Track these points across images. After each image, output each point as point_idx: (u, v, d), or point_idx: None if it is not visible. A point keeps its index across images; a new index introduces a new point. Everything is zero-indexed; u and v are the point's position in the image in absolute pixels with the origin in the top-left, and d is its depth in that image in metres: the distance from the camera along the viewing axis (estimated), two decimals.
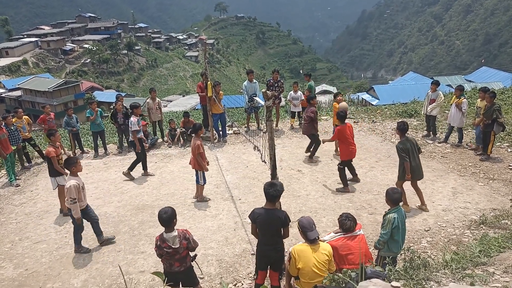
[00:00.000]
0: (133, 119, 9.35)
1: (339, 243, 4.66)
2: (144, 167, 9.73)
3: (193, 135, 8.01)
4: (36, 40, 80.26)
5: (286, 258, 5.07)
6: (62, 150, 8.25)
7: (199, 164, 7.83)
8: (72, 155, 11.42)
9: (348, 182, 8.38)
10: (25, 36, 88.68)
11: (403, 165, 7.03)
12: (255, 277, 4.99)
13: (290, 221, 4.74)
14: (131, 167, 9.57)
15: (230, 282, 5.63)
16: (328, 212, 7.42)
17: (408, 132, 7.31)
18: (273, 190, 4.51)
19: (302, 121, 10.75)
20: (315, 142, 9.88)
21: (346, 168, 8.32)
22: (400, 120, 7.34)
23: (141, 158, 9.62)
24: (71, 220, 7.22)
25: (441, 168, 9.23)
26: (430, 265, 4.09)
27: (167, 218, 4.39)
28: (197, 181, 8.07)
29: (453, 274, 3.91)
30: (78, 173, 6.43)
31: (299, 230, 4.48)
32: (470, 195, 7.80)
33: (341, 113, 8.37)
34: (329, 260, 4.37)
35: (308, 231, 4.36)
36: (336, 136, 8.37)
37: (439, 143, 10.69)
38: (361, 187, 8.45)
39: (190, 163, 8.16)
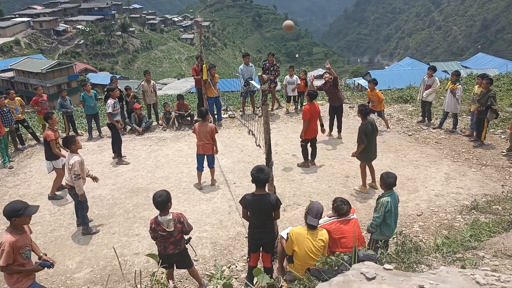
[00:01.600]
0: (109, 101, 9.38)
1: (332, 227, 4.71)
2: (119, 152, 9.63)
3: (200, 119, 7.88)
4: (28, 20, 78.77)
5: (278, 241, 5.13)
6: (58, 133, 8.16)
7: (215, 147, 7.88)
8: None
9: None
10: (17, 15, 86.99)
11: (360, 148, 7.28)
12: (248, 259, 5.05)
13: (281, 203, 4.79)
14: (119, 153, 9.55)
15: (224, 265, 5.69)
16: (322, 196, 7.47)
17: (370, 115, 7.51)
18: (263, 175, 4.52)
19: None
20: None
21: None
22: (361, 103, 7.51)
23: (118, 141, 9.54)
24: (67, 202, 7.23)
25: (435, 153, 9.29)
26: (422, 249, 4.15)
27: (162, 201, 4.40)
28: (212, 165, 8.05)
29: (443, 258, 3.98)
30: (78, 151, 6.41)
31: (305, 209, 4.56)
32: (462, 180, 7.87)
33: (312, 92, 8.63)
34: (325, 246, 4.43)
35: (310, 216, 4.42)
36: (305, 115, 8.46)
37: (433, 129, 10.73)
38: (355, 172, 8.48)
39: (200, 151, 7.85)
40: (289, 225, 5.92)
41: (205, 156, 7.92)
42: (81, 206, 6.49)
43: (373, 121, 7.41)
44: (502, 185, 7.57)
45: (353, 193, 7.58)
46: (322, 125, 9.02)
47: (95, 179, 6.81)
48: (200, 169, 7.99)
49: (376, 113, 10.83)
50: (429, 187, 7.67)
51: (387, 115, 12.15)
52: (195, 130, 7.79)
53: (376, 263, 3.44)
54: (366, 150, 7.27)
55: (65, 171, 6.45)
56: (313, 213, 4.42)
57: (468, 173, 8.20)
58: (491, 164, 8.51)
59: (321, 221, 4.96)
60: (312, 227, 4.43)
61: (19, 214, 4.06)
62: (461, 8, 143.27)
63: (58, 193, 8.01)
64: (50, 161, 7.76)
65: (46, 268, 4.46)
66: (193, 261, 5.08)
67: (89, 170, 6.86)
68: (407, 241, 4.23)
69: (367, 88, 11.52)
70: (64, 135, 11.47)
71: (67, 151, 6.57)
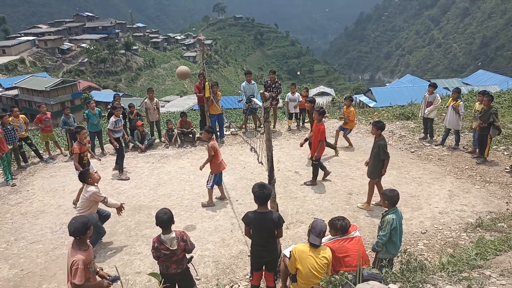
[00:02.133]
0: (111, 118, 9.81)
1: (336, 246, 4.66)
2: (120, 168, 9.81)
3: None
4: (33, 39, 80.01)
5: (281, 259, 5.08)
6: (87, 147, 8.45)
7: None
8: (68, 155, 11.40)
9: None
10: (23, 34, 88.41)
11: (382, 163, 7.16)
12: (250, 278, 4.99)
13: (283, 222, 4.75)
14: (120, 168, 9.71)
15: (227, 284, 5.61)
16: (325, 214, 7.41)
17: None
18: (265, 191, 4.51)
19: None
20: None
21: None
22: (376, 120, 7.45)
23: (120, 157, 9.75)
24: (68, 220, 7.11)
25: (438, 170, 9.25)
26: (427, 268, 4.10)
27: (167, 219, 4.37)
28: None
29: (449, 277, 3.92)
30: (96, 183, 6.41)
31: (309, 227, 4.52)
32: (466, 198, 7.82)
33: (323, 110, 8.60)
34: (328, 264, 4.38)
35: (313, 234, 4.37)
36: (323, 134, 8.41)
37: (436, 145, 10.72)
38: (358, 189, 8.45)
39: (222, 168, 7.84)
40: (292, 243, 5.86)
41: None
42: (98, 230, 6.43)
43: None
44: (507, 202, 7.51)
45: (357, 210, 7.53)
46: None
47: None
48: (220, 183, 8.07)
49: (343, 130, 10.86)
50: (433, 204, 7.62)
51: (389, 132, 12.17)
52: (215, 149, 7.59)
53: (381, 282, 3.40)
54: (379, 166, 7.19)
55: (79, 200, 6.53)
56: (315, 232, 4.38)
57: (472, 190, 8.15)
58: (495, 181, 8.46)
59: (324, 239, 4.92)
60: (314, 246, 4.39)
61: (88, 229, 4.07)
62: (460, 26, 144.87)
63: None
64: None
65: (114, 282, 4.45)
66: (195, 280, 5.02)
67: None
68: (412, 259, 4.18)
69: (344, 104, 11.37)
70: (67, 152, 11.54)
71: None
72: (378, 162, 7.19)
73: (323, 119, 8.52)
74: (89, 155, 8.51)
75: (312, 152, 8.49)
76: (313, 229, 4.41)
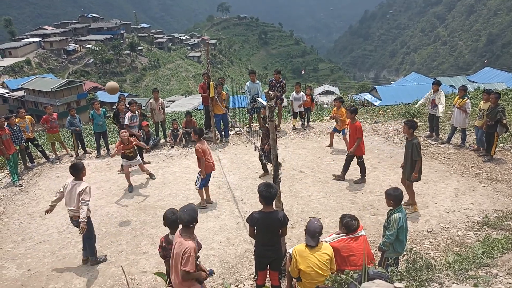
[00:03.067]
0: (127, 114, 10.08)
1: (341, 245, 4.65)
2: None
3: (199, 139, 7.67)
4: (39, 41, 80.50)
5: (287, 259, 5.07)
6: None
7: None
8: (74, 155, 11.47)
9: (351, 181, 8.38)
10: (28, 36, 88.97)
11: (418, 164, 6.94)
12: (255, 278, 4.99)
13: (288, 220, 4.75)
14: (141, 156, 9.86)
15: (232, 283, 5.62)
16: (330, 213, 7.41)
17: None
18: (272, 190, 4.51)
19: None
20: None
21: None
22: (409, 119, 7.29)
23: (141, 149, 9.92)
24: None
25: (444, 169, 9.20)
26: (433, 267, 4.08)
27: (176, 219, 4.37)
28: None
29: (456, 276, 3.90)
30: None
31: (305, 228, 4.51)
32: (473, 196, 7.77)
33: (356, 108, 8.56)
34: (331, 259, 4.36)
35: (308, 236, 4.37)
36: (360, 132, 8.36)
37: (441, 143, 10.66)
38: (363, 187, 8.43)
39: (210, 169, 7.75)
40: (298, 242, 5.86)
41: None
42: (90, 236, 6.09)
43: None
44: None
45: (362, 209, 7.51)
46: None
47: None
48: (207, 184, 7.94)
49: (340, 132, 10.72)
50: (439, 203, 7.58)
51: (394, 130, 12.12)
52: (204, 150, 7.44)
53: (387, 281, 3.39)
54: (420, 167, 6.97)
55: (68, 201, 5.97)
56: (310, 233, 4.35)
57: (478, 188, 8.09)
58: (501, 179, 8.40)
59: (328, 238, 4.91)
60: (311, 247, 4.36)
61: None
62: (466, 23, 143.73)
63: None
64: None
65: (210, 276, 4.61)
66: None
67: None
68: (418, 258, 4.15)
69: (334, 106, 11.13)
70: (73, 153, 11.61)
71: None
72: (412, 164, 7.00)
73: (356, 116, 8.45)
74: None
75: (350, 148, 8.51)
76: (307, 230, 4.39)
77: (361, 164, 8.62)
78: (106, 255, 6.44)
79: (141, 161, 9.26)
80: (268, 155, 8.27)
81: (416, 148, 6.85)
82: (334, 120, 10.83)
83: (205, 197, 7.99)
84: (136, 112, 10.46)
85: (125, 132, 8.76)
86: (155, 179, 9.48)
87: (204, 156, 7.49)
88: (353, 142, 8.40)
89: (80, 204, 5.73)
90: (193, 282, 4.11)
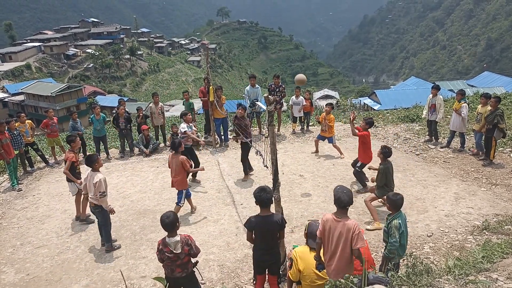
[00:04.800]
0: (182, 125, 9.58)
1: None
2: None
3: (172, 152, 7.48)
4: (39, 45, 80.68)
5: (287, 263, 5.06)
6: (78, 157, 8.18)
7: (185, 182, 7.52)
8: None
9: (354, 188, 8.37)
10: (29, 41, 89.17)
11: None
12: (254, 282, 4.98)
13: (286, 223, 4.75)
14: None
15: None
16: None
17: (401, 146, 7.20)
18: (266, 194, 4.51)
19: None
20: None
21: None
22: (384, 145, 7.25)
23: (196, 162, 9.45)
24: (75, 224, 7.22)
25: (444, 173, 9.20)
26: (433, 271, 4.07)
27: (170, 222, 4.39)
28: (179, 202, 7.54)
29: (456, 280, 3.89)
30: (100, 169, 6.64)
31: (305, 231, 4.49)
32: (472, 200, 7.76)
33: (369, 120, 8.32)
34: None
35: (310, 239, 4.37)
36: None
37: (441, 148, 10.67)
38: (363, 192, 8.41)
39: (173, 185, 7.54)
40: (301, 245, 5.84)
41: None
42: (105, 223, 6.61)
43: (390, 162, 7.14)
44: None
45: (362, 213, 7.50)
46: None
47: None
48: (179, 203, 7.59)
49: (326, 140, 10.56)
50: (439, 207, 7.57)
51: (394, 135, 12.13)
52: (169, 163, 7.46)
53: (387, 286, 3.38)
54: (387, 190, 6.90)
55: (88, 190, 6.57)
56: (313, 236, 4.36)
57: (478, 192, 8.09)
58: (501, 183, 8.40)
59: None
60: (314, 250, 4.36)
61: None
62: (465, 27, 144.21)
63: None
64: (72, 182, 7.73)
65: None
66: (200, 284, 5.02)
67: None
68: (418, 263, 4.14)
69: (323, 111, 10.82)
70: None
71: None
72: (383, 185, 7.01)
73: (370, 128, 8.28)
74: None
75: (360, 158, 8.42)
76: (310, 233, 4.39)
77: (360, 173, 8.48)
78: (120, 245, 6.82)
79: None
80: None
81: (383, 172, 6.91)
82: (320, 125, 10.58)
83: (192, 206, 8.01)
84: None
85: (79, 141, 8.23)
86: None
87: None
88: (362, 152, 8.24)
89: (98, 197, 6.33)
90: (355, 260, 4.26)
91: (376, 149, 7.51)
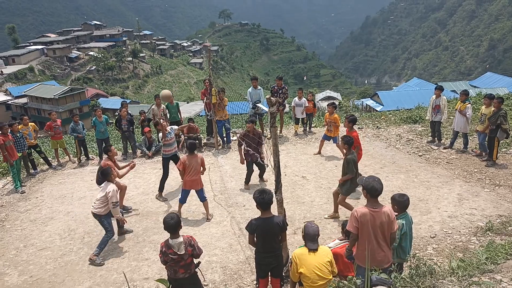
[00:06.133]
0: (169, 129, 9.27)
1: (344, 250, 4.63)
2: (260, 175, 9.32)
3: (187, 154, 7.50)
4: (42, 48, 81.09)
5: (289, 265, 5.05)
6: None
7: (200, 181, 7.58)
8: (77, 162, 11.49)
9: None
10: (32, 44, 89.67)
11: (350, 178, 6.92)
12: (256, 286, 4.96)
13: (287, 225, 4.75)
14: (248, 177, 9.12)
15: None
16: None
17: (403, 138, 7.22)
18: (266, 196, 4.51)
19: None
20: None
21: None
22: (344, 135, 7.24)
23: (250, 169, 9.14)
24: (77, 227, 7.24)
25: (447, 174, 9.17)
26: (436, 273, 4.05)
27: (174, 224, 4.40)
28: (204, 198, 7.67)
29: (459, 282, 3.87)
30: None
31: (302, 233, 4.48)
32: (476, 201, 7.73)
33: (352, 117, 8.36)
34: (331, 261, 4.34)
35: (308, 241, 4.35)
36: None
37: (444, 149, 10.64)
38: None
39: (187, 186, 7.53)
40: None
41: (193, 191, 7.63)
42: (109, 234, 6.65)
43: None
44: None
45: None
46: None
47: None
48: (184, 201, 7.73)
49: (331, 140, 10.57)
50: (442, 208, 7.54)
51: (397, 136, 12.11)
52: (183, 164, 7.37)
53: (390, 287, 3.37)
54: (352, 183, 6.92)
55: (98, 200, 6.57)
56: (310, 238, 4.35)
57: (481, 193, 8.06)
58: (504, 184, 8.36)
59: (332, 244, 4.89)
60: (313, 250, 4.34)
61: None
62: (467, 28, 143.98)
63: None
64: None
65: None
66: (203, 285, 5.02)
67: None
68: (421, 264, 4.13)
69: (326, 111, 10.80)
70: (75, 159, 11.63)
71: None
72: (346, 179, 7.00)
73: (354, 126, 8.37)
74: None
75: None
76: (307, 235, 4.37)
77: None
78: (103, 263, 6.44)
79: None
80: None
81: (349, 163, 6.87)
82: (327, 126, 10.63)
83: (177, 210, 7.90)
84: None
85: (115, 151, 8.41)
86: None
87: (185, 170, 7.42)
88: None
89: (111, 206, 6.48)
90: None
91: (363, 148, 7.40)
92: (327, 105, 11.07)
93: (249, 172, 8.90)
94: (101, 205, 6.47)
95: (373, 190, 4.18)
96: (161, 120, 8.84)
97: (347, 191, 7.02)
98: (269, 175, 9.20)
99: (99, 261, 6.41)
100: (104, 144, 11.55)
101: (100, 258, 6.46)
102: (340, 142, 7.08)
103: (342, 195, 7.08)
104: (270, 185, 8.05)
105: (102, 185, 6.67)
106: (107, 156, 8.00)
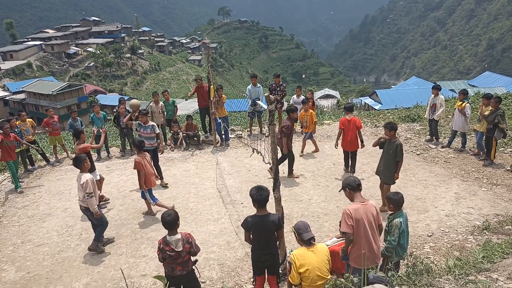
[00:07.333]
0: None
1: (341, 248, 4.64)
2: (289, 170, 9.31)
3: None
4: (40, 44, 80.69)
5: (287, 264, 5.06)
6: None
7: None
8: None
9: None
10: (30, 39, 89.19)
11: (397, 165, 7.10)
12: (253, 283, 4.97)
13: (283, 223, 4.75)
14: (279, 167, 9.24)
15: (232, 287, 5.61)
16: (330, 217, 7.40)
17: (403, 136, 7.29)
18: (263, 193, 4.51)
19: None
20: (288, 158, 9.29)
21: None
22: (389, 121, 7.40)
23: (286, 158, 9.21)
24: (75, 223, 7.25)
25: (444, 173, 9.19)
26: (433, 271, 4.07)
27: (171, 220, 4.40)
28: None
29: (456, 280, 3.89)
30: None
31: (294, 234, 4.46)
32: (473, 200, 7.76)
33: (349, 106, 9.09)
34: (328, 259, 4.35)
35: (303, 233, 4.34)
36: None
37: (442, 147, 10.66)
38: (363, 192, 8.38)
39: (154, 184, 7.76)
40: (298, 247, 5.83)
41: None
42: (101, 223, 6.60)
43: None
44: None
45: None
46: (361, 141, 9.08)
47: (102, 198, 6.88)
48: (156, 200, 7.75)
49: (306, 135, 10.76)
50: (439, 207, 7.57)
51: (396, 135, 12.10)
52: (142, 164, 7.37)
53: (387, 285, 3.38)
54: (391, 170, 7.16)
55: (78, 191, 6.50)
56: (304, 229, 4.34)
57: (479, 192, 8.09)
58: (501, 183, 8.39)
59: (329, 242, 4.90)
60: (309, 243, 4.32)
61: None
62: (466, 27, 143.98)
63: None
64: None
65: None
66: (200, 283, 5.03)
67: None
68: (418, 262, 4.15)
69: (302, 109, 11.09)
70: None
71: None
72: (393, 166, 7.12)
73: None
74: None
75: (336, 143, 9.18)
76: (299, 229, 4.35)
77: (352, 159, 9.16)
78: (104, 249, 6.67)
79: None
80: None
81: (401, 149, 7.02)
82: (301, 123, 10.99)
83: (147, 209, 7.96)
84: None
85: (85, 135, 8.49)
86: None
87: (144, 170, 7.43)
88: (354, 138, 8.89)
89: (85, 198, 6.24)
90: None
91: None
92: (302, 103, 11.20)
93: (292, 159, 9.24)
94: (89, 197, 6.32)
95: (353, 183, 4.39)
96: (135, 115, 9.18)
97: (392, 179, 7.21)
98: (267, 173, 9.20)
99: (101, 249, 6.63)
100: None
101: (101, 247, 6.65)
102: (384, 130, 7.27)
103: (387, 186, 7.29)
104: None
105: (78, 176, 6.49)
106: (78, 141, 7.94)
